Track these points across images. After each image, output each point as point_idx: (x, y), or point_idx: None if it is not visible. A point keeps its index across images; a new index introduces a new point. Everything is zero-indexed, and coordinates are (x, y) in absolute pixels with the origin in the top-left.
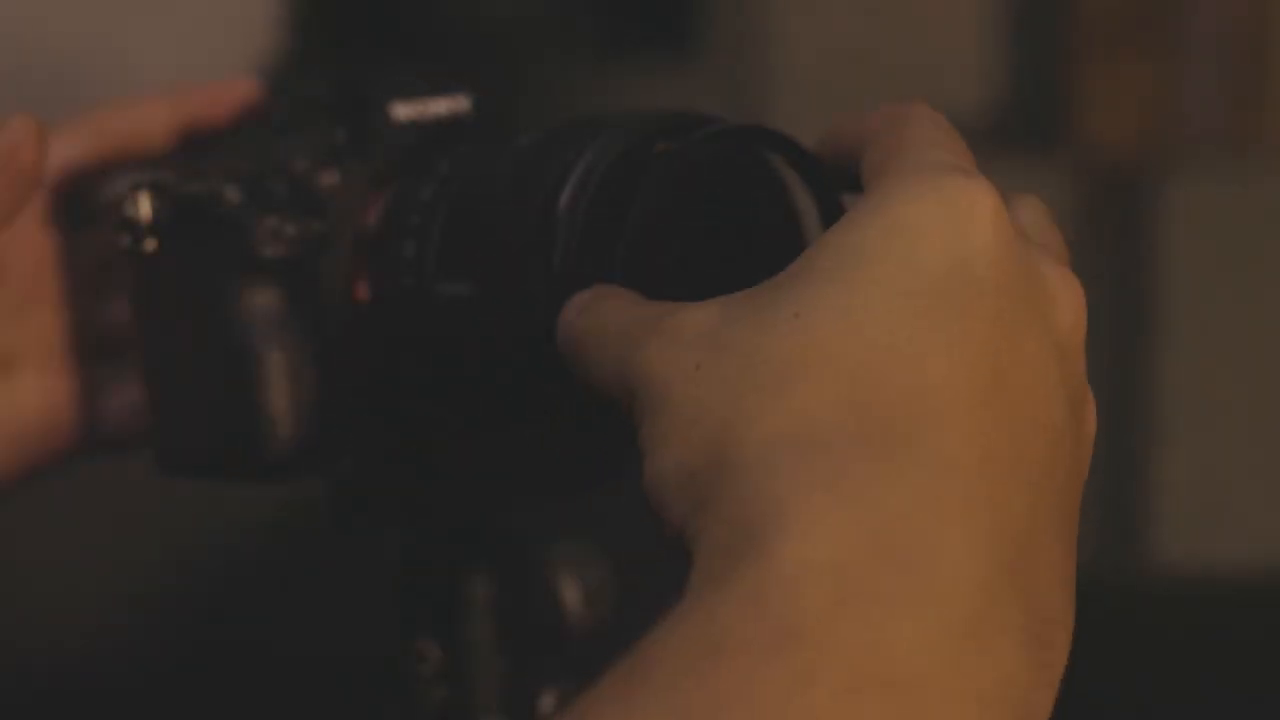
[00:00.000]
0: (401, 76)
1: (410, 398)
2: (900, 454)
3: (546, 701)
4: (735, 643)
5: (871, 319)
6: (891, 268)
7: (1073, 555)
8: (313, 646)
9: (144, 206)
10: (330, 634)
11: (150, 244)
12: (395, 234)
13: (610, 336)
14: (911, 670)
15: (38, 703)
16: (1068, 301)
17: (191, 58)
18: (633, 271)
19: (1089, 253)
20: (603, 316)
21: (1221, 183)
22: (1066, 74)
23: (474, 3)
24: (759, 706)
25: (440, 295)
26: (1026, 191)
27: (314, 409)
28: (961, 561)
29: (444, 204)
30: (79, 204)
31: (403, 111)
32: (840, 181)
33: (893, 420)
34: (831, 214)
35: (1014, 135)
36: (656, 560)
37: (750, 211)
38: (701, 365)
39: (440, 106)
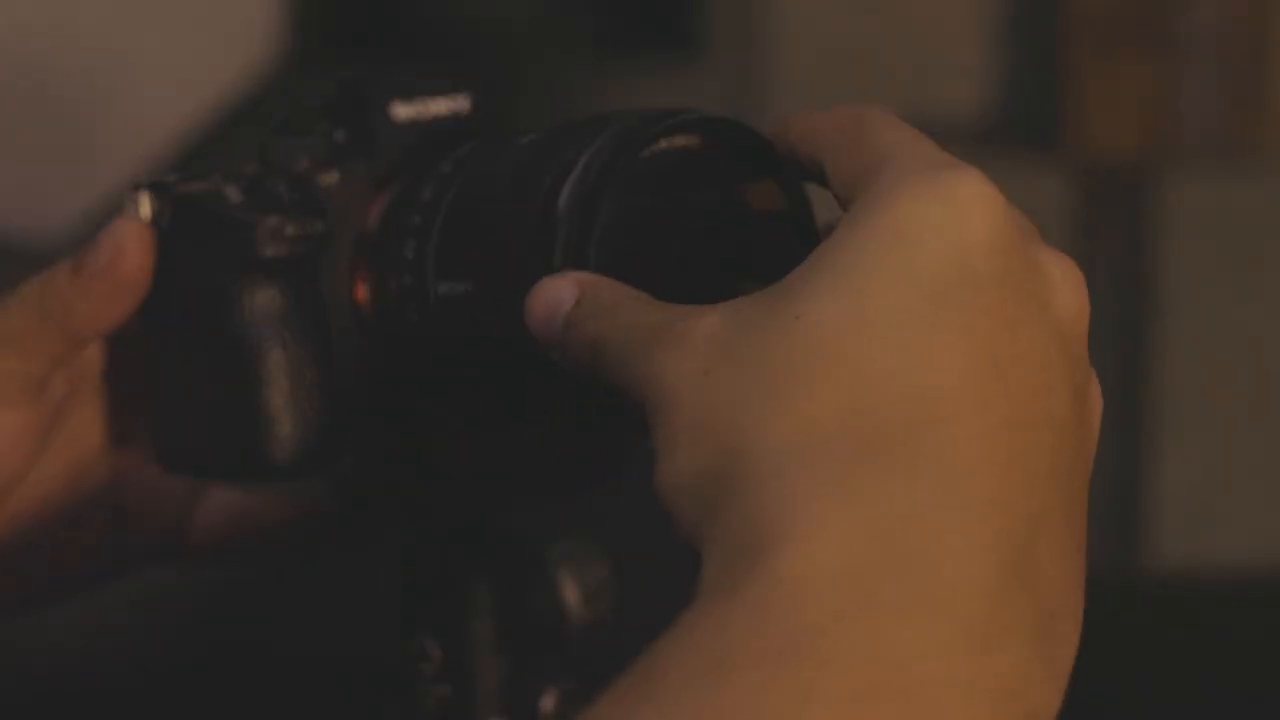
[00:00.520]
0: (401, 76)
1: (410, 398)
2: (903, 456)
3: (546, 701)
4: (741, 655)
5: (875, 321)
6: (893, 269)
7: (1081, 545)
8: (313, 646)
9: (144, 206)
10: (330, 634)
11: None
12: (395, 234)
13: (621, 344)
14: (919, 675)
15: (38, 703)
16: (1068, 288)
17: (192, 58)
18: (632, 271)
19: (1088, 253)
20: (614, 320)
21: (1221, 183)
22: (1065, 75)
23: (474, 3)
24: (764, 719)
25: (440, 295)
26: (1026, 192)
27: (314, 408)
28: (966, 562)
29: (444, 204)
30: None
31: (403, 111)
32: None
33: (896, 423)
34: (801, 208)
35: (1013, 136)
36: (656, 560)
37: (749, 209)
38: (710, 371)
39: (440, 106)
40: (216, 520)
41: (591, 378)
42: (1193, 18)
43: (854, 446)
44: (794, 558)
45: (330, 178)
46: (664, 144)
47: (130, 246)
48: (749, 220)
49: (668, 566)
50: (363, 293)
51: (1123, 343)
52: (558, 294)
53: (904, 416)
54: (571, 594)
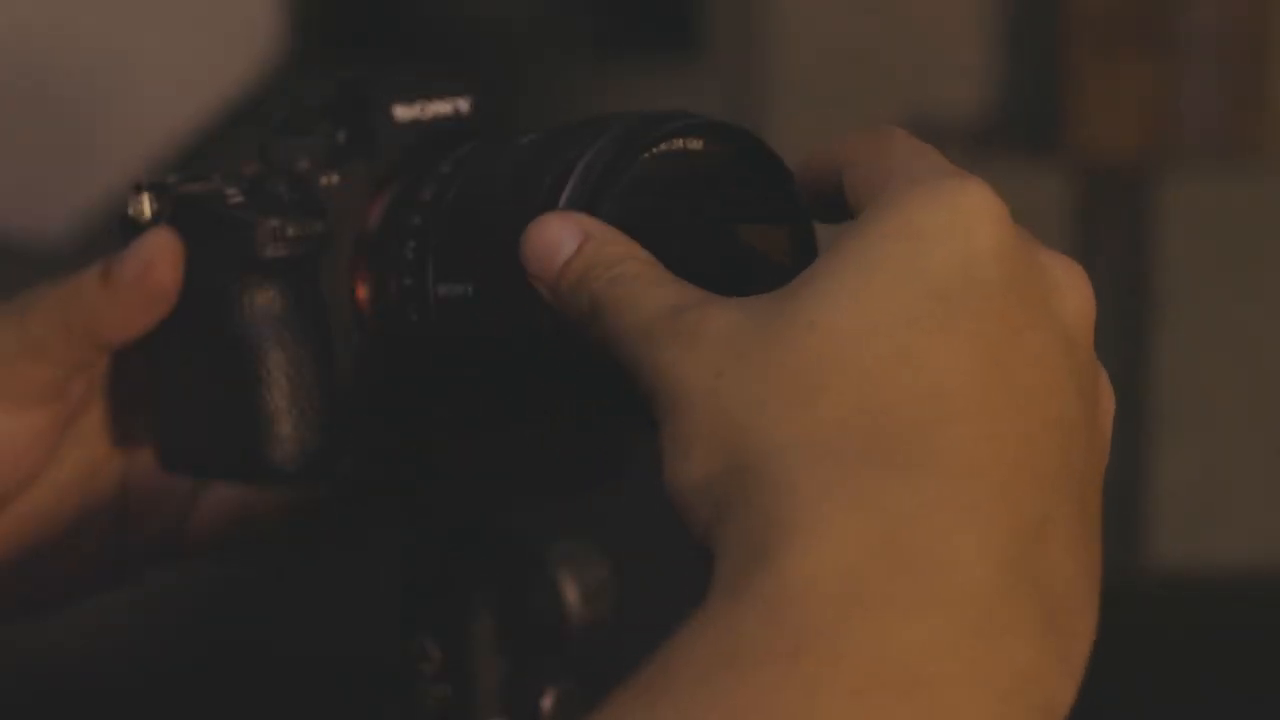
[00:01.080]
0: (402, 77)
1: (410, 398)
2: (911, 460)
3: (546, 701)
4: (750, 654)
5: (883, 327)
6: (901, 275)
7: (1095, 542)
8: (313, 646)
9: (144, 206)
10: (330, 634)
11: None
12: (395, 234)
13: (625, 320)
14: (926, 671)
15: (38, 703)
16: (1073, 290)
17: (192, 58)
18: None
19: (1088, 253)
20: (619, 286)
21: (1221, 183)
22: (1065, 75)
23: (474, 3)
24: (775, 716)
25: (440, 295)
26: (1026, 192)
27: (314, 409)
28: (972, 561)
29: (444, 204)
30: None
31: (403, 112)
32: (821, 208)
33: (904, 427)
34: (799, 212)
35: (1013, 136)
36: (656, 560)
37: (748, 212)
38: (723, 374)
39: (440, 106)
40: (216, 520)
41: (584, 332)
42: (1193, 18)
43: (862, 449)
44: (802, 557)
45: (330, 178)
46: (664, 146)
47: (160, 259)
48: (748, 223)
49: (668, 566)
50: (363, 293)
51: (1123, 343)
52: (558, 237)
53: (912, 419)
54: (571, 594)
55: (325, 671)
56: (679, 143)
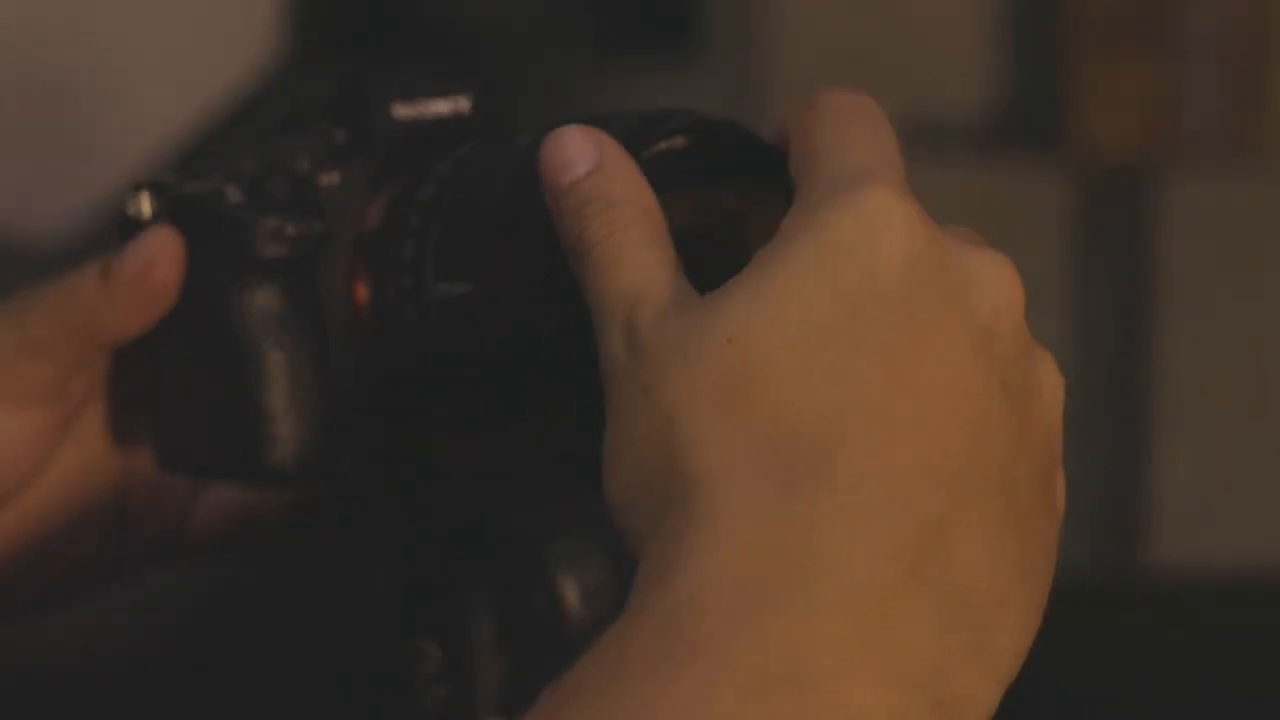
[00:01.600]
0: (401, 76)
1: (410, 398)
2: (809, 474)
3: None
4: (641, 663)
5: (795, 343)
6: (814, 289)
7: (1024, 532)
8: (313, 647)
9: (144, 206)
10: (330, 634)
11: None
12: (395, 234)
13: (601, 291)
14: (814, 667)
15: (38, 703)
16: (992, 283)
17: (192, 58)
18: None
19: (1088, 253)
20: (608, 236)
21: (1221, 183)
22: (1066, 75)
23: (474, 3)
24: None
25: (440, 295)
26: (1026, 192)
27: (313, 409)
28: (861, 565)
29: (444, 204)
30: None
31: (403, 111)
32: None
33: (807, 443)
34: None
35: (1014, 135)
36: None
37: (748, 211)
38: (649, 390)
39: (440, 106)
40: (216, 519)
41: (569, 258)
42: (1193, 18)
43: (767, 466)
44: (691, 573)
45: (330, 178)
46: (663, 145)
47: (160, 257)
48: (748, 222)
49: None
50: (362, 293)
51: (1123, 343)
52: (574, 153)
53: (814, 435)
54: (571, 594)
55: (325, 672)
56: (679, 141)
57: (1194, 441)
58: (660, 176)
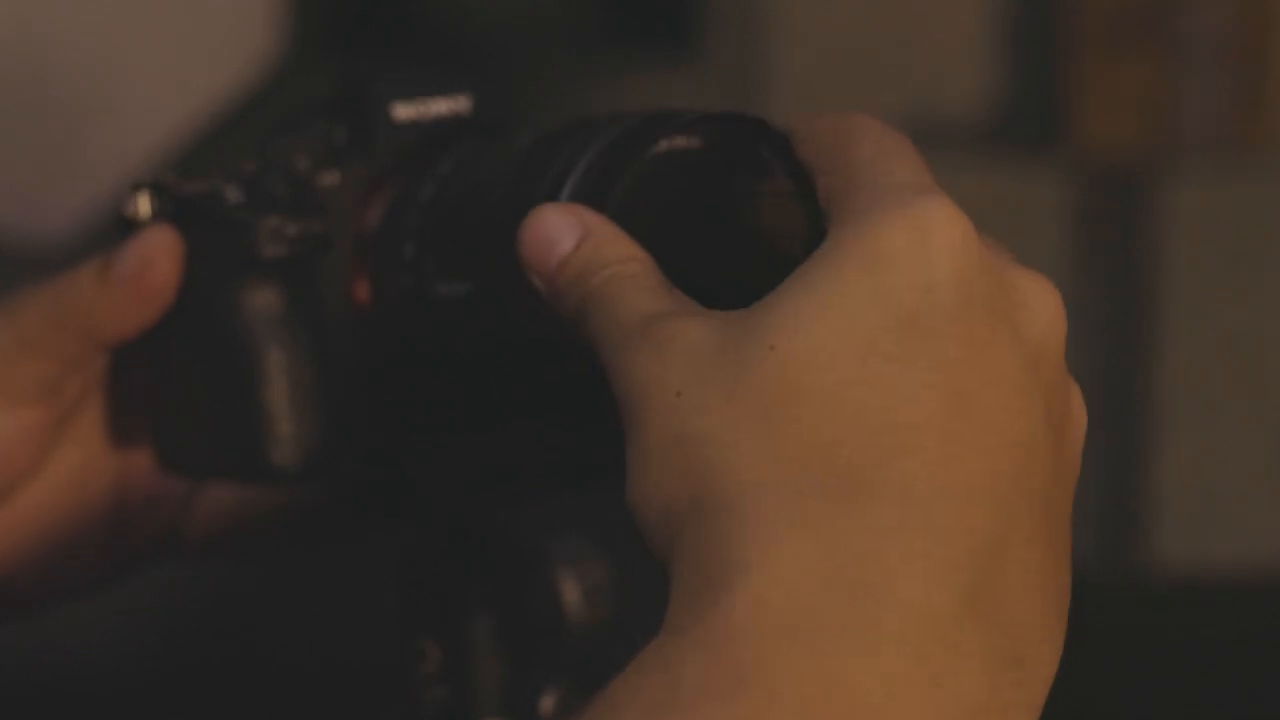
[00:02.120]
0: (402, 76)
1: (410, 398)
2: (864, 490)
3: (546, 702)
4: (690, 691)
5: (842, 354)
6: (862, 300)
7: (1059, 562)
8: (313, 646)
9: (144, 206)
10: (330, 634)
11: None
12: (395, 234)
13: (607, 323)
14: (866, 702)
15: (38, 703)
16: (1040, 307)
17: (191, 58)
18: None
19: (1088, 253)
20: (608, 289)
21: (1221, 183)
22: (1066, 74)
23: (475, 2)
24: None
25: (440, 295)
26: (1026, 192)
27: (313, 409)
28: (920, 592)
29: (444, 204)
30: None
31: (403, 111)
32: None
33: (860, 458)
34: (809, 205)
35: (1014, 135)
36: (658, 571)
37: (755, 209)
38: (682, 394)
39: (440, 106)
40: (215, 520)
41: (574, 330)
42: (1193, 18)
43: (815, 481)
44: (744, 594)
45: (330, 178)
46: (666, 144)
47: (160, 256)
48: (755, 220)
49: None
50: (362, 293)
51: (1123, 342)
52: (557, 230)
53: (868, 451)
54: (571, 594)
55: (325, 671)
56: (681, 140)
57: (1194, 441)
58: (663, 175)
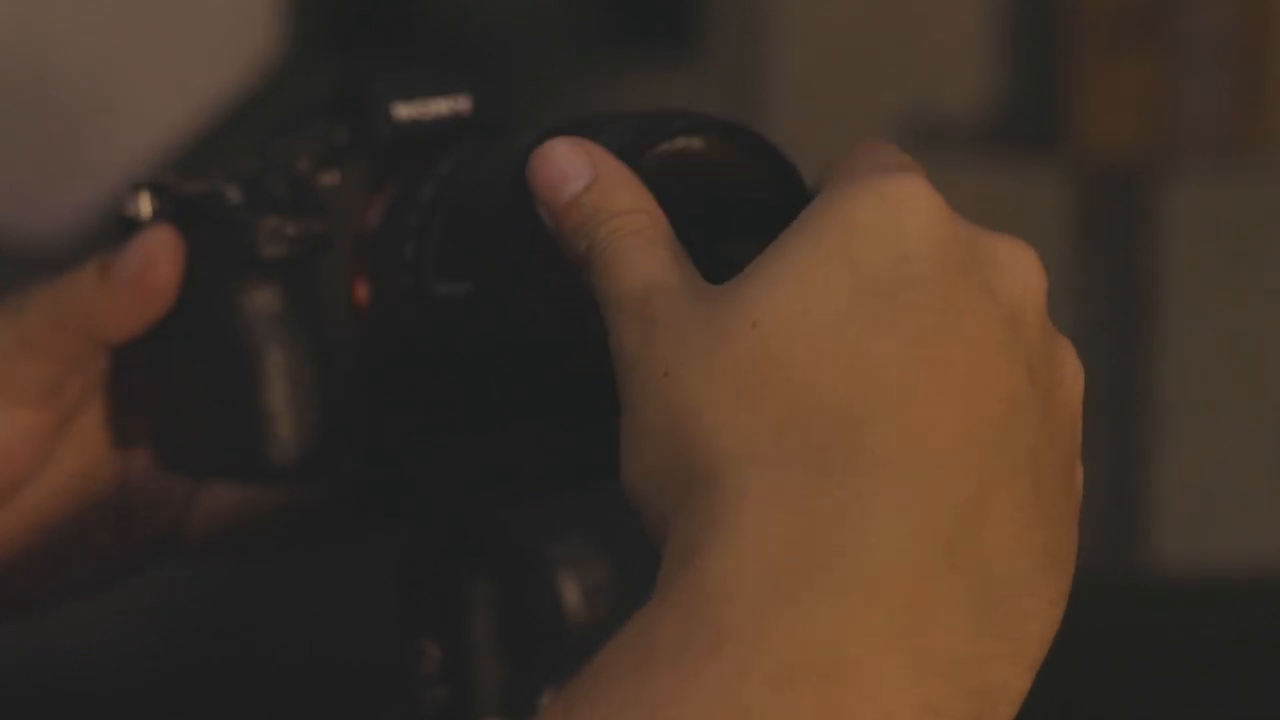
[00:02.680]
0: (402, 76)
1: (410, 398)
2: (838, 460)
3: (547, 702)
4: (667, 650)
5: (819, 325)
6: (837, 271)
7: (1056, 518)
8: (313, 646)
9: (144, 206)
10: (330, 634)
11: None
12: (395, 234)
13: (613, 294)
14: (846, 656)
15: (38, 703)
16: (1017, 268)
17: (191, 58)
18: None
19: (1089, 253)
20: (615, 243)
21: (1221, 183)
22: (1065, 75)
23: (475, 2)
24: (690, 707)
25: (440, 295)
26: (1026, 192)
27: (313, 409)
28: (893, 549)
29: (444, 204)
30: None
31: (403, 111)
32: None
33: (834, 425)
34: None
35: (1013, 136)
36: (656, 560)
37: (752, 212)
38: (669, 374)
39: (440, 106)
40: (215, 520)
41: (577, 274)
42: (1193, 18)
43: (792, 454)
44: (721, 556)
45: (330, 177)
46: (666, 146)
47: (160, 256)
48: (752, 222)
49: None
50: (362, 293)
51: (1123, 342)
52: (569, 166)
53: (842, 417)
54: (571, 594)
55: (325, 671)
56: (681, 142)
57: (1194, 441)
58: (663, 177)
